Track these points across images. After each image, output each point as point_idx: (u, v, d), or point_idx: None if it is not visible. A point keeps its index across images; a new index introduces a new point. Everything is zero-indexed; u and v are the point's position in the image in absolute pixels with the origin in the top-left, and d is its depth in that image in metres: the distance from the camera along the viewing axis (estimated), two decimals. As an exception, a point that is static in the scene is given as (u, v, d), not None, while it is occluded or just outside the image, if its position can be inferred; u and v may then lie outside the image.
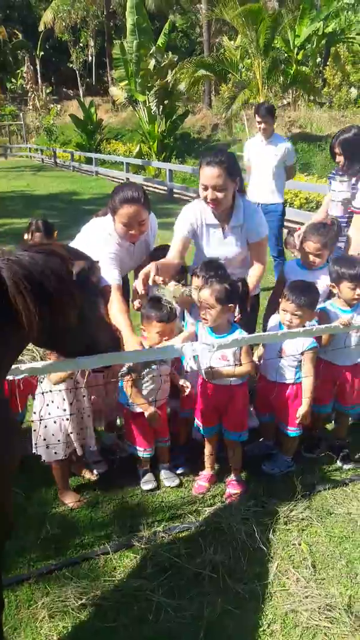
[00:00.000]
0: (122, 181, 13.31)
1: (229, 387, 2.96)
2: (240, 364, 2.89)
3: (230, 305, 2.86)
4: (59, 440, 2.88)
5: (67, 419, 2.87)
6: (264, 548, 2.67)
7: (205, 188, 2.99)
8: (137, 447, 3.11)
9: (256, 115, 5.89)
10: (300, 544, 2.72)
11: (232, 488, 3.09)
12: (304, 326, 2.99)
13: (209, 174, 2.93)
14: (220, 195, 2.97)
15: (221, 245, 3.19)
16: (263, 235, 3.21)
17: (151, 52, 17.12)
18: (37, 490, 3.10)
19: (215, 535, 2.74)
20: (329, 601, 2.38)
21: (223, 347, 2.61)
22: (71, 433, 2.90)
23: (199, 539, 2.72)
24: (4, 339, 1.74)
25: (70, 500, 3.00)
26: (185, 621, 2.30)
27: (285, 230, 5.94)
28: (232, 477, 3.14)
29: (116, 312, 2.82)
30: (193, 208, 3.19)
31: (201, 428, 3.12)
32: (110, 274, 2.95)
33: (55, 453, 2.89)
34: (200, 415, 3.11)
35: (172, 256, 3.13)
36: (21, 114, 32.71)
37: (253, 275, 3.20)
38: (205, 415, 3.08)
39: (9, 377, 2.40)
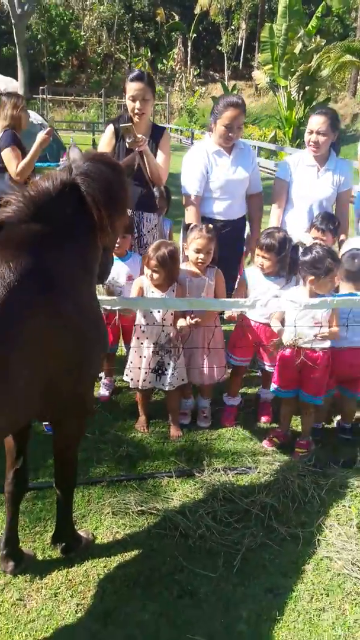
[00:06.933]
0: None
1: (312, 352, 3.09)
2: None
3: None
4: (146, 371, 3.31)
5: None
6: (314, 503, 2.82)
7: (311, 132, 3.74)
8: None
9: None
10: (350, 507, 2.83)
11: (299, 447, 3.26)
12: None
13: (317, 120, 3.70)
14: (322, 139, 3.68)
15: (315, 182, 3.81)
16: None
17: (299, 35, 16.86)
18: (121, 418, 3.54)
19: (270, 483, 2.94)
20: (365, 558, 2.50)
21: (310, 308, 2.76)
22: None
23: (253, 482, 2.95)
24: (93, 246, 2.08)
25: (139, 425, 3.45)
26: (226, 543, 2.56)
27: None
28: (300, 438, 3.31)
29: None
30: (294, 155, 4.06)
31: (277, 389, 3.32)
32: None
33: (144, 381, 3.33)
34: (278, 378, 3.30)
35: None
36: (167, 95, 33.76)
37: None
38: (284, 377, 3.26)
39: (107, 307, 2.80)
